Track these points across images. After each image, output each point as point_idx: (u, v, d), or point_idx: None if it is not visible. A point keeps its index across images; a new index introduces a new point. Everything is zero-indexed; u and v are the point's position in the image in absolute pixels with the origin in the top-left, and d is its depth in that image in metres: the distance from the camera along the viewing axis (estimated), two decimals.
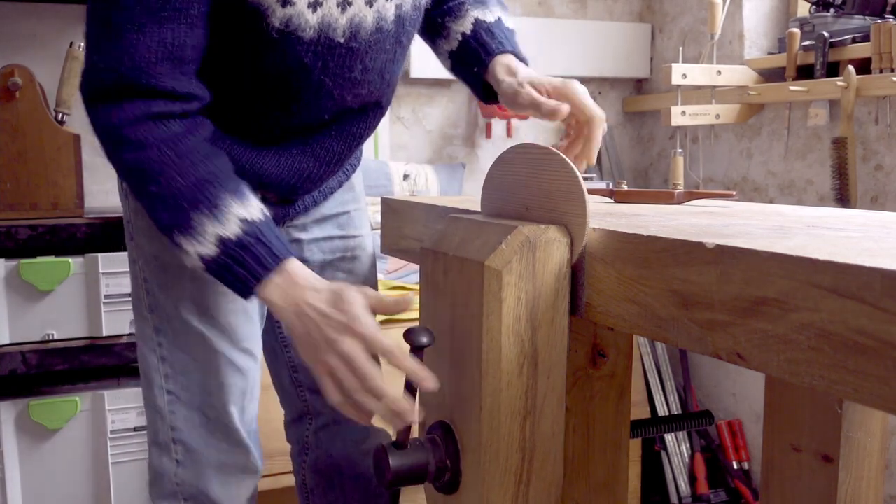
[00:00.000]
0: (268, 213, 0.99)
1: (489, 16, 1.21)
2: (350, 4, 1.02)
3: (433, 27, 1.24)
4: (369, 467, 1.32)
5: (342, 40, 1.03)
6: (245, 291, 0.97)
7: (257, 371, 1.23)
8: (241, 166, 1.07)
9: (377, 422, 0.96)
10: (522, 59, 1.19)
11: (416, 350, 0.88)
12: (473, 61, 1.18)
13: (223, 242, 0.94)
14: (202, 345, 1.16)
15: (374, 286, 1.37)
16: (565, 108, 1.11)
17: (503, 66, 1.16)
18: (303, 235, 1.27)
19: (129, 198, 1.18)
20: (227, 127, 1.08)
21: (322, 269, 1.28)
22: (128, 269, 1.23)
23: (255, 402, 1.24)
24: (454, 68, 1.23)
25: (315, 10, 1.00)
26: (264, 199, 1.10)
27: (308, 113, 1.09)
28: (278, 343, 1.35)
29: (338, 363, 0.91)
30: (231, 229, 0.95)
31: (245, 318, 1.19)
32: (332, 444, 1.36)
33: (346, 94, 1.09)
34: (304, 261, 1.10)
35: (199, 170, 0.96)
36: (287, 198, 1.19)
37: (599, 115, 1.12)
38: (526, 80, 1.14)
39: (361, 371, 0.90)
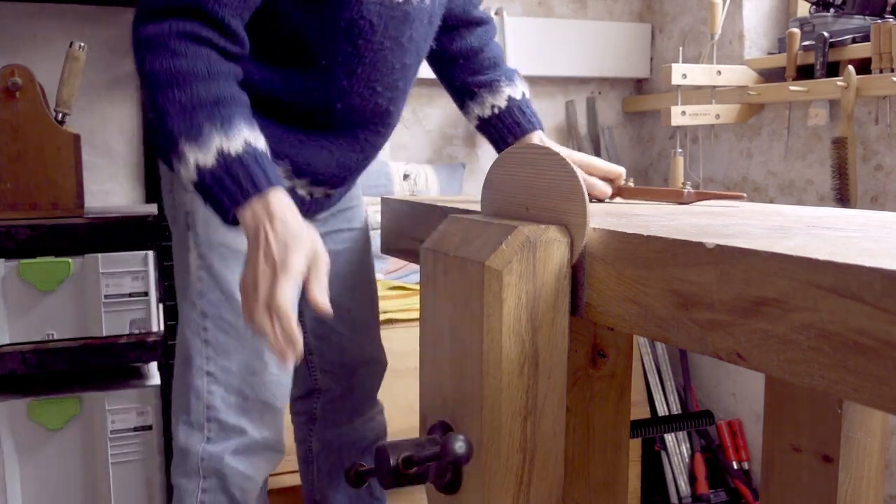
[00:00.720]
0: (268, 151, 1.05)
1: (517, 91, 1.42)
2: None
3: (467, 91, 1.43)
4: (365, 436, 1.52)
5: (400, 0, 1.16)
6: (231, 206, 1.00)
7: None
8: (298, 165, 1.21)
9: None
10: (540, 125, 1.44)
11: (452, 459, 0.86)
12: (507, 134, 1.41)
13: (223, 156, 0.99)
14: None
15: (371, 267, 1.48)
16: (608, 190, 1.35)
17: (538, 142, 1.40)
18: (321, 228, 1.35)
19: (188, 189, 1.24)
20: (289, 118, 1.18)
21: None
22: (127, 270, 1.26)
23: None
24: (480, 128, 1.43)
25: None
26: (311, 195, 1.27)
27: (367, 79, 1.19)
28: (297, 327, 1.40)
29: (252, 278, 0.97)
30: (234, 147, 0.99)
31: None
32: (338, 415, 1.52)
33: (395, 62, 1.21)
34: None
35: (223, 91, 1.02)
36: (331, 191, 1.30)
37: (618, 170, 1.37)
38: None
39: (270, 288, 0.96)
